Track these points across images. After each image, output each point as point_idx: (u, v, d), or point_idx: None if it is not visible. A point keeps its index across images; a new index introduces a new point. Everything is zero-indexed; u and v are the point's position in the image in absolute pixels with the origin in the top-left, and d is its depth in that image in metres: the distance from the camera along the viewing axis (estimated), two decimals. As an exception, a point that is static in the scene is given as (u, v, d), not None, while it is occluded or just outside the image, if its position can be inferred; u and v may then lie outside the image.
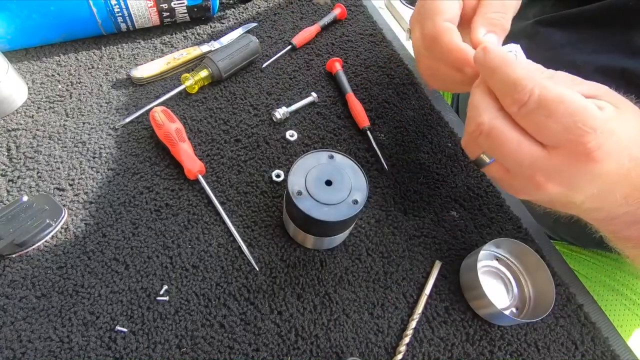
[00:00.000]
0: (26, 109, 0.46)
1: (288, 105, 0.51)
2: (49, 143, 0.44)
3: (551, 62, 0.66)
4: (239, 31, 0.57)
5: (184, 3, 0.53)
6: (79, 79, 0.49)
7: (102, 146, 0.45)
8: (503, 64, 0.28)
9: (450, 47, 0.34)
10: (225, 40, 0.55)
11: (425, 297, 0.41)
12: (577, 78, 0.30)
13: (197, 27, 0.57)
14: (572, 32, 0.58)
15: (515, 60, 0.29)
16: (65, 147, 0.44)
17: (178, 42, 0.55)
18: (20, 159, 0.43)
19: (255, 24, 0.59)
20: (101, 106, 0.48)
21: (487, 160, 0.32)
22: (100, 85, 0.49)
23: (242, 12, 0.61)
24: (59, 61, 0.50)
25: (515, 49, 0.32)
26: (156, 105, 0.48)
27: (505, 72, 0.28)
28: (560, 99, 0.26)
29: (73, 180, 0.42)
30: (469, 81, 0.36)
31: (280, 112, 0.50)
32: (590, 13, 0.54)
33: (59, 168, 0.43)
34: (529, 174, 0.29)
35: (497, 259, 0.44)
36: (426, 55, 0.38)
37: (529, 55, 0.33)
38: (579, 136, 0.26)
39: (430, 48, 0.36)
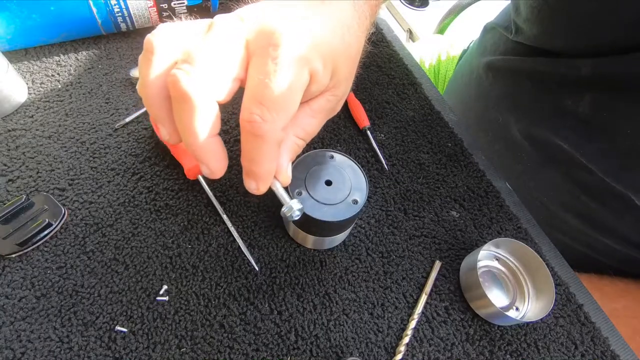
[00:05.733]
0: (26, 109, 0.46)
1: (288, 105, 0.51)
2: (48, 143, 0.44)
3: (496, 109, 0.66)
4: (239, 31, 0.57)
5: (184, 3, 0.53)
6: (79, 79, 0.49)
7: (102, 146, 0.45)
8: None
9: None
10: (225, 40, 0.55)
11: (425, 297, 0.41)
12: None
13: (197, 27, 0.57)
14: (512, 83, 0.59)
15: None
16: (65, 147, 0.44)
17: (178, 42, 0.55)
18: (20, 159, 0.43)
19: (255, 24, 0.59)
20: (101, 106, 0.48)
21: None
22: (100, 85, 0.49)
23: (242, 12, 0.60)
24: (59, 61, 0.50)
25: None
26: (156, 105, 0.48)
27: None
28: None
29: (73, 180, 0.42)
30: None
31: (280, 112, 0.49)
32: (529, 68, 0.55)
33: (59, 168, 0.43)
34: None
35: (497, 259, 0.44)
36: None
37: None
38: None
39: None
